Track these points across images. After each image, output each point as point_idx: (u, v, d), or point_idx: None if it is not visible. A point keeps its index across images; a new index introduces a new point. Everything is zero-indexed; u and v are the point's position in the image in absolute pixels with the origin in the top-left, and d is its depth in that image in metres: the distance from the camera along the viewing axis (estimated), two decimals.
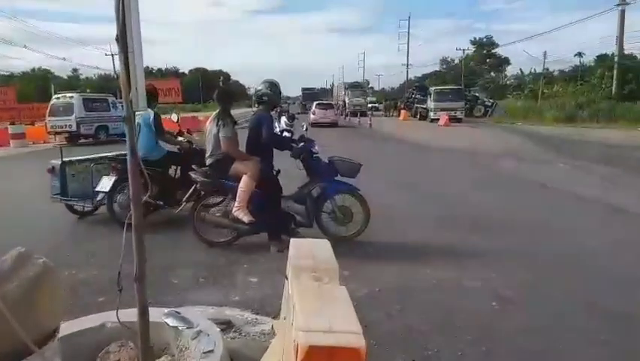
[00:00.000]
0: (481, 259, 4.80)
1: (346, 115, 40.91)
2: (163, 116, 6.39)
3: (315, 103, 32.23)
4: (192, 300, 3.81)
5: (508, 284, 4.11)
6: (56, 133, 19.38)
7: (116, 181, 5.92)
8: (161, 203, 5.93)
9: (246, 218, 4.95)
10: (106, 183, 5.96)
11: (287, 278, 2.02)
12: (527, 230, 5.89)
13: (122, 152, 6.81)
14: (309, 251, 1.98)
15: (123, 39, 1.86)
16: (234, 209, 4.99)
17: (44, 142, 20.39)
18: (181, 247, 5.19)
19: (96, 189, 6.10)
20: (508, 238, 5.52)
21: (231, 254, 4.99)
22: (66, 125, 18.68)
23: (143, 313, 1.95)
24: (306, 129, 5.73)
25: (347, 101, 43.40)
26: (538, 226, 6.11)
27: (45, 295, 1.52)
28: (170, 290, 4.02)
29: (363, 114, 36.45)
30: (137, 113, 1.93)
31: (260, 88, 5.38)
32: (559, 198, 7.95)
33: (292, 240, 2.27)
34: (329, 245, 2.16)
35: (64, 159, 6.53)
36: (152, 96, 5.89)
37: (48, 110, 19.29)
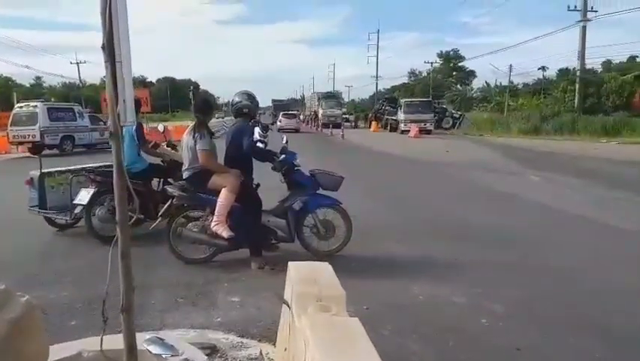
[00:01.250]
0: (465, 273, 4.76)
1: (317, 126, 40.29)
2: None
3: (281, 113, 38.87)
4: (172, 322, 3.61)
5: (495, 299, 4.06)
6: (19, 143, 18.64)
7: (94, 194, 5.70)
8: (142, 217, 5.67)
9: (225, 233, 4.77)
10: (84, 196, 5.75)
11: (287, 305, 1.88)
12: (507, 243, 5.90)
13: (103, 163, 6.62)
14: (311, 276, 1.85)
15: (110, 47, 1.70)
16: (213, 224, 4.80)
17: (6, 152, 19.57)
18: (157, 265, 4.94)
19: (74, 202, 5.88)
20: (489, 251, 5.51)
21: (210, 272, 4.79)
22: (29, 135, 17.99)
23: (131, 349, 1.77)
24: (286, 142, 5.59)
25: (321, 112, 41.58)
26: (517, 238, 6.13)
27: (29, 337, 1.35)
28: (147, 312, 3.79)
29: (337, 126, 35.53)
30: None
31: (238, 100, 5.21)
32: (534, 209, 8.04)
33: (291, 263, 2.14)
34: (330, 268, 2.04)
35: (43, 170, 6.31)
36: (136, 108, 5.85)
37: (10, 120, 18.54)
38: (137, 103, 6.34)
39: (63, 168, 6.68)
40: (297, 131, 33.90)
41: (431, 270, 4.86)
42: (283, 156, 5.23)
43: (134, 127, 5.82)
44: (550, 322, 3.68)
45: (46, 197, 6.29)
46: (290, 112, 41.17)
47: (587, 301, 4.10)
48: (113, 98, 1.67)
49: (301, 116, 52.67)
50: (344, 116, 46.24)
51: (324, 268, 2.03)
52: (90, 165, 6.41)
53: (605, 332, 3.50)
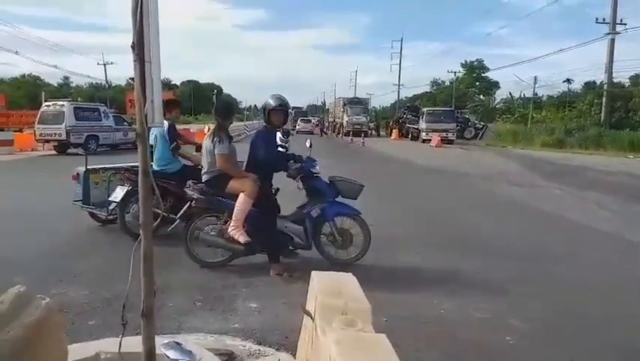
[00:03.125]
0: (488, 287, 4.63)
1: (341, 134, 38.27)
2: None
3: (300, 118, 48.25)
4: (189, 326, 3.58)
5: (520, 316, 3.94)
6: (45, 141, 19.02)
7: (128, 191, 5.80)
8: (175, 217, 5.69)
9: (241, 238, 4.74)
10: (119, 193, 5.89)
11: (309, 315, 1.83)
12: (531, 257, 5.74)
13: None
14: (336, 287, 1.79)
15: (140, 47, 1.67)
16: (230, 228, 4.77)
17: (32, 150, 19.98)
18: (176, 266, 4.94)
19: (109, 199, 6.06)
20: (513, 265, 5.37)
21: (228, 276, 4.76)
22: (56, 134, 18.34)
23: (150, 355, 1.73)
24: (310, 146, 5.54)
25: (346, 118, 38.77)
26: (541, 253, 5.97)
27: (48, 340, 1.32)
28: (164, 314, 3.76)
29: (360, 134, 34.22)
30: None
31: (269, 102, 5.15)
32: (559, 224, 7.83)
33: (314, 272, 2.08)
34: (355, 280, 1.97)
35: (88, 167, 6.59)
36: (171, 106, 6.18)
37: (38, 118, 18.96)
38: (175, 103, 6.68)
39: (107, 166, 6.92)
40: (311, 133, 39.10)
41: (453, 283, 4.74)
42: (298, 164, 5.17)
43: (166, 128, 5.88)
44: (577, 342, 3.54)
45: (89, 192, 6.55)
46: (306, 118, 50.65)
47: (617, 322, 3.94)
48: (141, 98, 1.64)
49: (326, 123, 53.16)
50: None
51: (350, 280, 1.96)
52: (130, 164, 6.49)
53: (636, 357, 3.35)
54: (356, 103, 41.76)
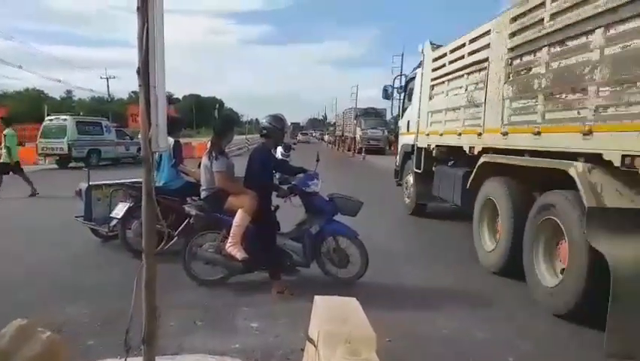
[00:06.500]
0: (491, 306, 4.60)
1: (353, 150, 32.66)
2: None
3: (300, 132, 64.43)
4: (190, 347, 3.54)
5: (523, 336, 3.90)
6: (47, 155, 19.08)
7: (130, 208, 5.78)
8: (175, 233, 5.69)
9: (239, 255, 4.72)
10: (120, 210, 5.88)
11: (312, 343, 1.81)
12: None
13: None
14: (339, 314, 1.78)
15: (145, 71, 1.68)
16: (227, 245, 4.76)
17: (34, 163, 20.01)
18: (177, 284, 4.89)
19: (110, 215, 6.04)
20: (515, 283, 5.32)
21: (229, 294, 4.73)
22: (57, 148, 18.41)
23: None
24: (318, 160, 5.59)
25: (359, 132, 32.45)
26: None
27: None
28: (165, 333, 3.71)
29: (378, 151, 29.61)
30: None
31: (266, 121, 5.17)
32: None
33: (317, 297, 2.06)
34: (359, 306, 1.96)
35: (91, 183, 6.56)
36: (175, 125, 6.21)
37: (40, 132, 19.05)
38: (179, 121, 6.82)
39: (110, 182, 6.90)
40: (308, 142, 52.74)
41: (456, 301, 4.71)
42: (289, 184, 5.17)
43: (172, 145, 5.96)
44: None
45: (91, 208, 6.52)
46: (304, 132, 69.81)
47: None
48: (146, 123, 1.65)
49: (325, 137, 55.43)
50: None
51: (354, 306, 1.95)
52: (132, 180, 6.49)
53: None
54: (370, 114, 34.75)
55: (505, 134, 5.44)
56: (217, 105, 71.20)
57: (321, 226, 5.02)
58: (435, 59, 8.04)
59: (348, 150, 32.97)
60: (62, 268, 5.50)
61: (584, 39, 4.11)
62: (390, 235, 7.56)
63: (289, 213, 5.29)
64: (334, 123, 52.88)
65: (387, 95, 13.71)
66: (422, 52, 8.73)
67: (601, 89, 3.84)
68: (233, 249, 4.73)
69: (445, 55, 7.61)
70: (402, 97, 11.51)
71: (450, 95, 7.41)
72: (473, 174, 6.20)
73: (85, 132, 19.09)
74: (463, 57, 6.84)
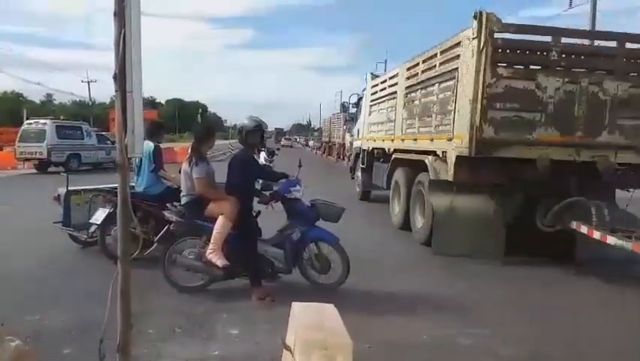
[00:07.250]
0: (472, 312, 4.64)
1: (342, 156, 30.23)
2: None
3: (283, 138, 67.79)
4: (169, 354, 3.51)
5: (504, 341, 3.94)
6: (26, 159, 18.73)
7: (110, 213, 5.67)
8: (155, 239, 5.63)
9: (219, 262, 4.68)
10: (99, 215, 5.80)
11: (289, 350, 1.80)
12: (517, 280, 5.77)
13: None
14: (316, 320, 1.78)
15: (122, 77, 1.67)
16: (208, 252, 4.72)
17: (12, 168, 19.63)
18: (156, 291, 4.83)
19: (90, 221, 5.95)
20: (497, 288, 5.39)
21: (209, 300, 4.69)
22: (37, 152, 18.07)
23: None
24: (300, 165, 5.58)
25: (348, 138, 27.65)
26: (524, 275, 6.00)
27: None
28: (143, 340, 3.67)
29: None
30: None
31: (245, 124, 5.11)
32: None
33: (294, 304, 2.06)
34: (336, 312, 1.96)
35: (70, 188, 6.44)
36: (156, 129, 6.40)
37: (19, 136, 18.67)
38: (160, 126, 6.85)
39: (89, 187, 6.79)
40: (291, 147, 55.78)
41: (437, 307, 4.73)
42: (270, 191, 5.17)
43: (152, 149, 5.89)
44: None
45: (70, 214, 6.39)
46: (287, 137, 72.97)
47: (601, 347, 3.96)
48: (122, 129, 1.64)
49: (310, 143, 56.85)
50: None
51: (331, 312, 1.95)
52: (112, 185, 6.40)
53: None
54: None
55: (402, 140, 8.76)
56: (200, 110, 70.77)
57: (303, 232, 5.01)
58: (373, 86, 11.52)
59: (339, 157, 31.54)
60: (40, 275, 5.39)
61: (430, 88, 7.54)
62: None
63: (271, 218, 5.27)
64: (319, 129, 52.03)
65: (344, 108, 18.65)
66: (365, 79, 12.26)
67: (436, 116, 7.18)
68: (214, 256, 4.69)
69: (377, 85, 11.10)
70: (355, 111, 15.23)
71: (380, 112, 10.86)
72: (389, 166, 9.48)
73: (65, 136, 18.77)
74: (385, 88, 10.33)
